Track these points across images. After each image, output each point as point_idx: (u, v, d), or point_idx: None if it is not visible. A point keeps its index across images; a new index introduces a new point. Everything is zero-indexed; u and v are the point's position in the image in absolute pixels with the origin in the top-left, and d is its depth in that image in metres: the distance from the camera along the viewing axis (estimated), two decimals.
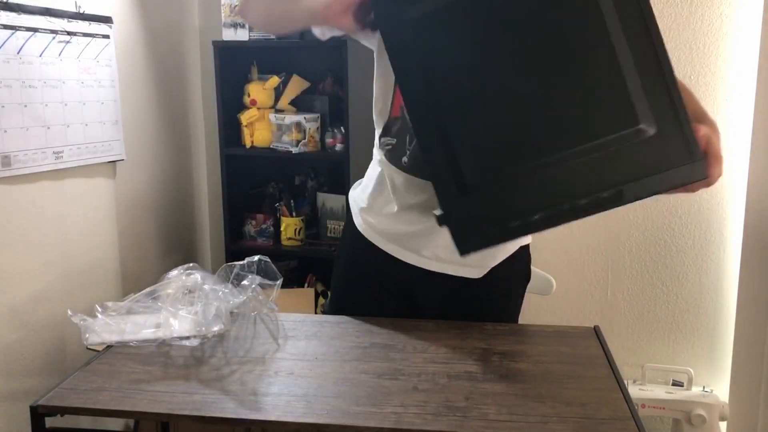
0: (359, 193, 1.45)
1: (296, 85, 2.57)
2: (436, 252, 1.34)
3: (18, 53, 1.81)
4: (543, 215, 1.05)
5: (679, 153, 1.01)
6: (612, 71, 0.99)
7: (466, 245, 1.09)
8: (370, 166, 1.44)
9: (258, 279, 1.36)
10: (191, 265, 1.39)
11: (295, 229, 2.59)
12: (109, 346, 1.28)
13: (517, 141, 1.05)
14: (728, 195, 2.34)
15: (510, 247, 1.37)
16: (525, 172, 1.04)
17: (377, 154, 1.38)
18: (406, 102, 1.10)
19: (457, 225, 1.08)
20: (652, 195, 1.03)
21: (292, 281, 2.65)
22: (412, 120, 1.10)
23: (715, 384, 2.41)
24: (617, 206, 1.03)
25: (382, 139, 1.34)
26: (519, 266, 1.43)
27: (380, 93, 1.33)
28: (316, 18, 1.19)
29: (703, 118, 1.15)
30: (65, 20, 1.98)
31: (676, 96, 1.00)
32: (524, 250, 1.42)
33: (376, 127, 1.38)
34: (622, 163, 1.01)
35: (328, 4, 1.12)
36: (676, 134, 1.00)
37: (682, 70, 2.27)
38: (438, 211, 1.08)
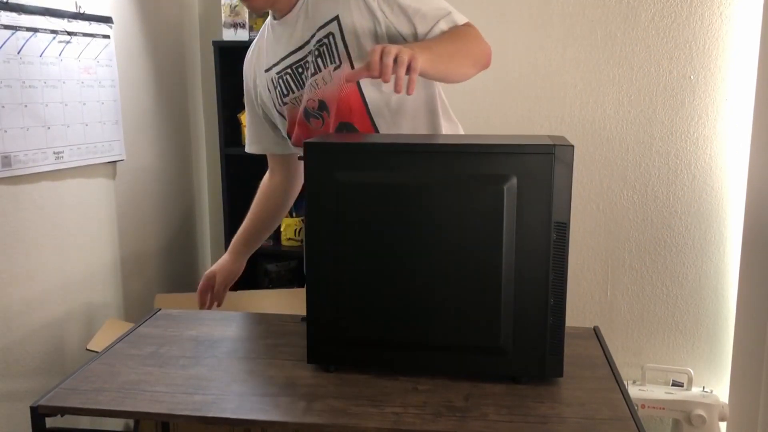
0: None
1: None
2: None
3: (18, 53, 1.81)
4: None
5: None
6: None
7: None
8: None
9: None
10: None
11: (295, 230, 2.59)
12: (109, 347, 1.28)
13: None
14: (728, 195, 2.34)
15: None
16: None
17: None
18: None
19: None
20: None
21: (292, 281, 2.65)
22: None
23: (715, 384, 2.41)
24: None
25: None
26: None
27: None
28: None
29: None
30: (65, 20, 1.98)
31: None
32: None
33: None
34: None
35: None
36: None
37: (682, 70, 2.27)
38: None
